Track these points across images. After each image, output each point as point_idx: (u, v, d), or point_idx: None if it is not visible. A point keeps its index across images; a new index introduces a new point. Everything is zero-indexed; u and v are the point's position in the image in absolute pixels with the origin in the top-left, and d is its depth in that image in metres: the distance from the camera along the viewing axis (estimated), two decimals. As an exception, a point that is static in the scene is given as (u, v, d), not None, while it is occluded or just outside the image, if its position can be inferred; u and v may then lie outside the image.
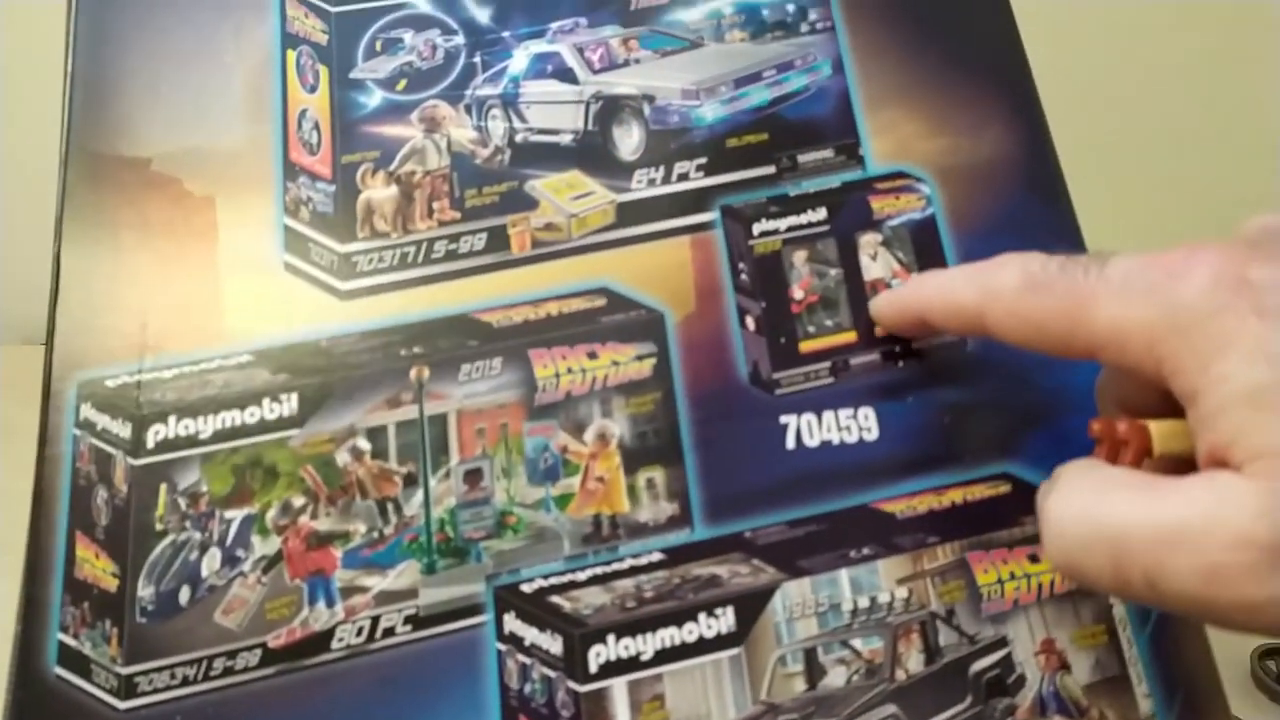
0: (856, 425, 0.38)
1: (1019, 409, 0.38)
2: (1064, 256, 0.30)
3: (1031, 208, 0.41)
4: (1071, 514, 0.28)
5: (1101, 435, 0.30)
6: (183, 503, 0.34)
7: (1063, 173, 0.42)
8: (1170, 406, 0.28)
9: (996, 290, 0.31)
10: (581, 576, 0.35)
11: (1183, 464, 0.29)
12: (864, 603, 0.35)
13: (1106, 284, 0.28)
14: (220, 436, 0.35)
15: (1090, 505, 0.27)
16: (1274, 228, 0.29)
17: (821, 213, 0.40)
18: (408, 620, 0.34)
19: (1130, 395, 0.33)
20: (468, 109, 0.41)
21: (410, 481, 0.36)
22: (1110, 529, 0.26)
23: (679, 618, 0.33)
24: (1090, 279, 0.29)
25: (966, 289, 0.33)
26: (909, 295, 0.37)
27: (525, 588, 0.34)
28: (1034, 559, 0.36)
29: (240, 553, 0.34)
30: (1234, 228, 0.30)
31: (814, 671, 0.34)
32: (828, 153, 0.42)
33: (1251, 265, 0.27)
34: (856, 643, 0.34)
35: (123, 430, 0.35)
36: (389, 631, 0.34)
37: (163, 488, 0.34)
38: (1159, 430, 0.29)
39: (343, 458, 0.35)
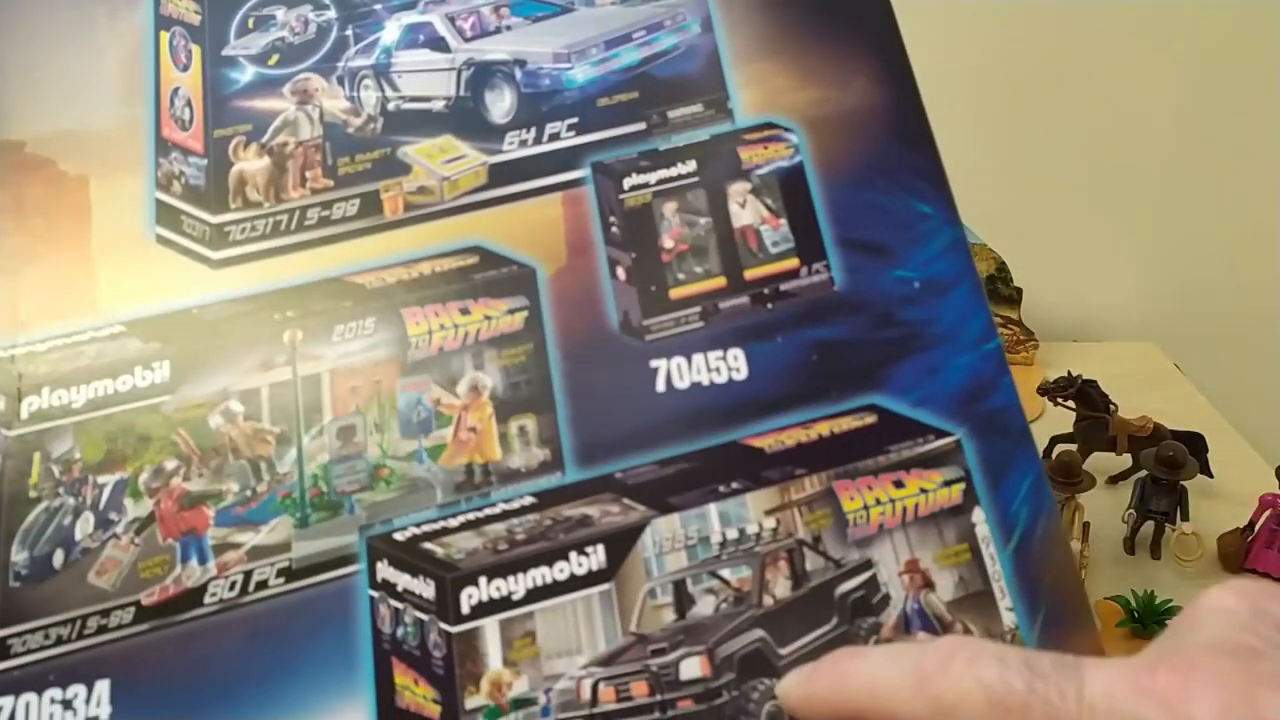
0: (726, 366, 0.38)
1: (884, 344, 0.39)
2: (1020, 659, 0.26)
3: (898, 154, 0.42)
4: None
5: None
6: (56, 470, 0.35)
7: (928, 119, 0.43)
8: None
9: (950, 707, 0.26)
10: (454, 523, 0.35)
11: None
12: (732, 534, 0.35)
13: (1092, 714, 0.24)
14: (93, 405, 0.36)
15: None
16: (1246, 619, 0.25)
17: (691, 165, 0.41)
18: (280, 573, 0.35)
19: None
20: (340, 80, 0.42)
21: (284, 441, 0.36)
22: None
23: (550, 557, 0.34)
24: (1069, 704, 0.24)
25: (910, 699, 0.26)
26: (832, 694, 0.29)
27: (398, 536, 0.35)
28: (898, 485, 0.37)
29: (113, 516, 0.35)
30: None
31: (683, 602, 0.34)
32: (697, 108, 0.43)
33: (1261, 693, 0.23)
34: (725, 573, 0.35)
35: (-3, 404, 0.35)
36: (262, 584, 0.34)
37: (36, 456, 0.35)
38: None
39: (215, 421, 0.36)
